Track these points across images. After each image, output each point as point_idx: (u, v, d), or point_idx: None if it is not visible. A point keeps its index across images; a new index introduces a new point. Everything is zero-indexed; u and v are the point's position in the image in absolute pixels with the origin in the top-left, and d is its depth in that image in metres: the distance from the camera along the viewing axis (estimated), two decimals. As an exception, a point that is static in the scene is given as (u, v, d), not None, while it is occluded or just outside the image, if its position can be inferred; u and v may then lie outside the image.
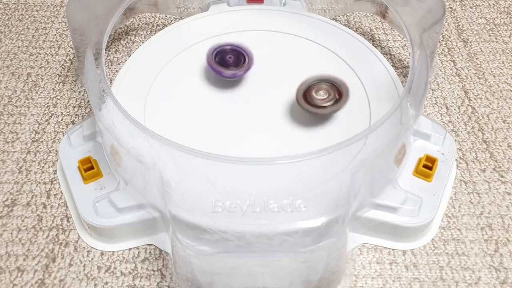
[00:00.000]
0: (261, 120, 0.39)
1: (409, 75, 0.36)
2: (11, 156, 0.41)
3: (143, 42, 0.46)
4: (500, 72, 0.48)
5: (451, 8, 0.55)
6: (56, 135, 0.43)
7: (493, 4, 0.56)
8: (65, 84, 0.47)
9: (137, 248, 0.36)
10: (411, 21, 0.41)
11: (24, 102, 0.46)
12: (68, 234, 0.36)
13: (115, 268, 0.35)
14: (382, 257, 0.35)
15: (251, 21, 0.47)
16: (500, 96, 0.46)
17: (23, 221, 0.37)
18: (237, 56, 0.41)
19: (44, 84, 0.47)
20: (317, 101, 0.37)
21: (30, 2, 0.56)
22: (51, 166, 0.41)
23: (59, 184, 0.39)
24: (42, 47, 0.51)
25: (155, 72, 0.42)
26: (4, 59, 0.50)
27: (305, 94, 0.38)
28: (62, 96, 0.46)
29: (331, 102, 0.37)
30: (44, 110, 0.45)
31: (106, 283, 0.34)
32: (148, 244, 0.36)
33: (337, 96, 0.38)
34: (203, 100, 0.40)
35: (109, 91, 0.35)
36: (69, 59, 0.50)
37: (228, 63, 0.40)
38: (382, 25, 0.53)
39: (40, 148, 0.42)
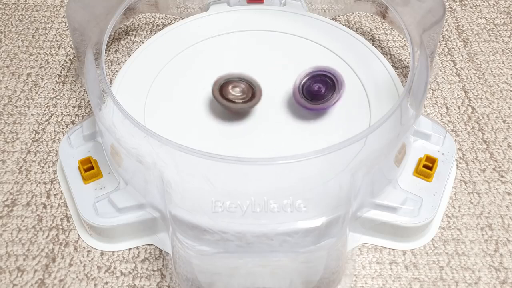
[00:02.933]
0: (261, 120, 0.39)
1: (409, 75, 0.36)
2: (11, 156, 0.41)
3: (143, 42, 0.46)
4: (500, 72, 0.48)
5: (451, 8, 0.55)
6: (56, 135, 0.43)
7: (493, 4, 0.56)
8: (65, 84, 0.47)
9: (137, 248, 0.36)
10: (411, 21, 0.41)
11: (24, 102, 0.46)
12: (68, 234, 0.36)
13: (115, 268, 0.35)
14: (382, 257, 0.35)
15: (251, 21, 0.47)
16: (500, 96, 0.46)
17: (23, 221, 0.37)
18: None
19: (44, 84, 0.47)
20: (230, 97, 0.38)
21: (30, 2, 0.56)
22: (51, 166, 0.41)
23: (59, 184, 0.39)
24: (42, 47, 0.51)
25: (155, 72, 0.42)
26: (4, 59, 0.50)
27: (221, 89, 0.38)
28: (62, 96, 0.46)
29: (243, 100, 0.38)
30: (44, 110, 0.45)
31: (106, 283, 0.34)
32: (148, 244, 0.36)
33: (251, 95, 0.38)
34: (203, 100, 0.40)
35: (109, 91, 0.35)
36: (69, 59, 0.50)
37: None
38: (382, 25, 0.53)
39: (40, 148, 0.42)
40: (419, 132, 0.39)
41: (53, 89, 0.47)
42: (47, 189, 0.39)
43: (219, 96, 0.38)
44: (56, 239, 0.36)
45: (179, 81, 0.42)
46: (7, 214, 0.38)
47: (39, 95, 0.46)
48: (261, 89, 0.38)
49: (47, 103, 0.45)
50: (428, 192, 0.36)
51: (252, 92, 0.38)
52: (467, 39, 0.51)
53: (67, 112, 0.45)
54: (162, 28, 0.52)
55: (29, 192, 0.39)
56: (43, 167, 0.40)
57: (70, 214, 0.37)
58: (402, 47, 0.50)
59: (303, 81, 0.39)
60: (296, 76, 0.39)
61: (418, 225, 0.35)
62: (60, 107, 0.45)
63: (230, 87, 0.38)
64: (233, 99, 0.38)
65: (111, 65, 0.49)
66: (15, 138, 0.43)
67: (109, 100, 0.35)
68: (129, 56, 0.44)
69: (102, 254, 0.35)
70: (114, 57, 0.50)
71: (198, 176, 0.31)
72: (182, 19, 0.48)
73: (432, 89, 0.46)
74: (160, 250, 0.35)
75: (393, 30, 0.52)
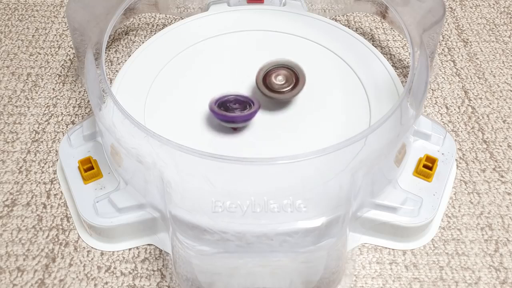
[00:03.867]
0: (261, 120, 0.39)
1: (409, 75, 0.36)
2: (11, 156, 0.41)
3: (143, 42, 0.46)
4: (500, 72, 0.48)
5: (451, 8, 0.55)
6: (56, 135, 0.43)
7: (493, 4, 0.56)
8: (65, 84, 0.47)
9: (137, 248, 0.36)
10: (411, 21, 0.41)
11: (24, 102, 0.46)
12: (68, 234, 0.36)
13: (115, 268, 0.35)
14: (382, 257, 0.35)
15: (251, 21, 0.47)
16: (500, 96, 0.46)
17: (23, 221, 0.37)
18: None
19: (44, 84, 0.47)
20: (275, 86, 0.38)
21: (30, 2, 0.56)
22: (51, 166, 0.41)
23: (59, 184, 0.39)
24: (42, 47, 0.51)
25: (155, 72, 0.42)
26: (4, 59, 0.50)
27: (264, 79, 0.38)
28: (62, 96, 0.46)
29: (289, 88, 0.38)
30: (44, 110, 0.45)
31: (106, 283, 0.34)
32: (148, 244, 0.36)
33: (294, 81, 0.39)
34: (203, 100, 0.40)
35: (109, 91, 0.35)
36: (69, 59, 0.50)
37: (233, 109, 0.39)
38: (382, 25, 0.53)
39: (40, 148, 0.42)
40: (419, 132, 0.39)
41: (53, 89, 0.47)
42: (47, 189, 0.39)
43: (264, 88, 0.38)
44: (56, 239, 0.36)
45: (179, 81, 0.42)
46: (7, 214, 0.38)
47: (39, 95, 0.46)
48: (304, 74, 0.39)
49: (47, 103, 0.45)
50: (428, 192, 0.36)
51: (296, 78, 0.39)
52: (467, 39, 0.51)
53: (67, 112, 0.45)
54: (162, 28, 0.52)
55: (29, 192, 0.39)
56: (43, 167, 0.40)
57: (70, 214, 0.37)
58: (402, 47, 0.50)
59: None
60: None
61: (418, 225, 0.35)
62: (60, 107, 0.45)
63: (273, 77, 0.38)
64: (279, 89, 0.38)
65: (111, 65, 0.49)
66: (15, 138, 0.43)
67: (109, 100, 0.35)
68: (129, 56, 0.44)
69: (102, 254, 0.35)
70: (114, 57, 0.50)
71: (198, 176, 0.31)
72: (182, 19, 0.48)
73: (432, 89, 0.46)
74: (160, 250, 0.35)
75: (393, 30, 0.52)
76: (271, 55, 0.44)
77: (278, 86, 0.38)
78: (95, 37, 0.39)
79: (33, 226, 0.37)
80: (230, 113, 0.37)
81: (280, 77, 0.39)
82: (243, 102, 0.38)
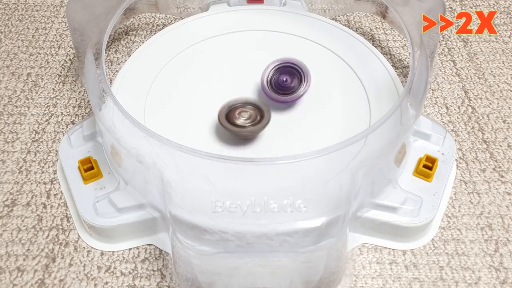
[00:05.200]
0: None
1: (409, 75, 0.36)
2: (11, 156, 0.41)
3: (143, 42, 0.46)
4: (500, 72, 0.48)
5: (451, 8, 0.55)
6: (56, 135, 0.43)
7: (493, 4, 0.56)
8: (65, 84, 0.47)
9: (137, 248, 0.36)
10: (411, 21, 0.41)
11: (24, 102, 0.46)
12: (68, 234, 0.36)
13: (115, 268, 0.35)
14: (382, 257, 0.35)
15: (251, 21, 0.47)
16: (500, 96, 0.46)
17: (23, 221, 0.37)
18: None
19: (44, 84, 0.47)
20: (238, 122, 0.37)
21: (30, 2, 0.56)
22: (51, 166, 0.41)
23: (59, 184, 0.39)
24: (42, 47, 0.51)
25: (155, 72, 0.42)
26: (4, 59, 0.50)
27: (228, 115, 0.37)
28: (62, 96, 0.46)
29: (251, 123, 0.37)
30: (44, 110, 0.45)
31: (106, 283, 0.34)
32: (148, 244, 0.36)
33: (259, 118, 0.37)
34: (203, 100, 0.40)
35: (109, 91, 0.35)
36: (69, 59, 0.50)
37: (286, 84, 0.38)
38: (382, 25, 0.53)
39: (40, 148, 0.42)
40: (419, 132, 0.39)
41: (53, 89, 0.47)
42: (47, 189, 0.39)
43: (226, 123, 0.36)
44: (56, 239, 0.36)
45: (179, 81, 0.42)
46: (7, 214, 0.38)
47: (39, 95, 0.46)
48: (269, 111, 0.37)
49: (47, 103, 0.45)
50: (428, 192, 0.36)
51: (261, 115, 0.37)
52: (467, 39, 0.51)
53: (67, 112, 0.45)
54: (162, 28, 0.52)
55: (29, 192, 0.39)
56: (43, 167, 0.40)
57: (70, 214, 0.37)
58: (402, 47, 0.50)
59: (271, 75, 0.39)
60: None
61: (418, 225, 0.35)
62: (60, 107, 0.45)
63: (236, 113, 0.37)
64: (242, 124, 0.36)
65: (111, 65, 0.49)
66: (15, 138, 0.43)
67: (109, 100, 0.35)
68: (129, 56, 0.44)
69: (102, 254, 0.35)
70: (114, 57, 0.50)
71: (198, 176, 0.31)
72: (182, 19, 0.48)
73: (432, 89, 0.46)
74: (160, 250, 0.35)
75: (393, 30, 0.52)
76: (271, 55, 0.44)
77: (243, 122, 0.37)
78: (95, 37, 0.39)
79: (33, 226, 0.37)
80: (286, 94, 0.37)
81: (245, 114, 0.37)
82: (293, 74, 0.38)
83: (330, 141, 0.32)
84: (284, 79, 0.38)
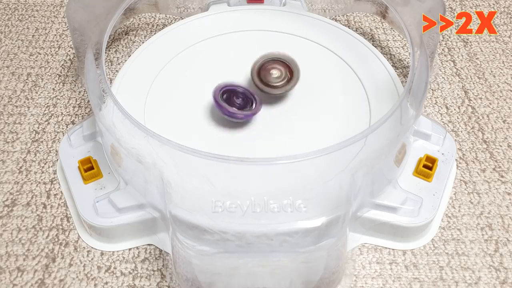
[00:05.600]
0: (261, 120, 0.39)
1: (409, 75, 0.36)
2: (11, 156, 0.41)
3: (143, 42, 0.46)
4: (500, 72, 0.48)
5: (451, 8, 0.55)
6: (56, 135, 0.43)
7: (493, 4, 0.56)
8: (65, 84, 0.47)
9: (137, 248, 0.36)
10: (411, 21, 0.41)
11: (24, 102, 0.46)
12: (68, 234, 0.36)
13: (115, 268, 0.35)
14: (382, 257, 0.35)
15: (251, 21, 0.47)
16: (500, 96, 0.46)
17: (23, 221, 0.37)
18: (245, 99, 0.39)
19: (44, 84, 0.47)
20: (271, 80, 0.38)
21: (30, 2, 0.56)
22: (51, 166, 0.41)
23: (59, 184, 0.39)
24: (42, 47, 0.51)
25: (155, 72, 0.42)
26: (4, 59, 0.50)
27: (259, 73, 0.38)
28: (62, 96, 0.46)
29: (284, 82, 0.38)
30: (44, 110, 0.45)
31: (106, 283, 0.34)
32: (148, 244, 0.36)
33: (289, 75, 0.38)
34: (203, 100, 0.40)
35: (109, 91, 0.35)
36: (69, 59, 0.50)
37: (235, 104, 0.38)
38: (382, 25, 0.53)
39: (40, 148, 0.42)
40: (419, 132, 0.39)
41: (53, 89, 0.47)
42: (47, 189, 0.39)
43: (259, 82, 0.38)
44: (56, 239, 0.36)
45: (179, 81, 0.42)
46: (7, 214, 0.38)
47: (39, 95, 0.46)
48: (298, 68, 0.39)
49: (47, 103, 0.45)
50: (428, 192, 0.36)
51: (290, 72, 0.38)
52: (467, 39, 0.51)
53: (67, 112, 0.45)
54: (162, 28, 0.52)
55: (29, 192, 0.39)
56: (43, 167, 0.40)
57: (70, 214, 0.37)
58: (402, 47, 0.50)
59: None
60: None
61: (418, 225, 0.35)
62: (60, 107, 0.45)
63: (268, 71, 0.38)
64: (273, 83, 0.38)
65: (111, 65, 0.49)
66: (15, 138, 0.43)
67: (109, 100, 0.35)
68: (129, 56, 0.44)
69: (102, 254, 0.35)
70: (114, 57, 0.50)
71: (198, 176, 0.31)
72: (182, 19, 0.48)
73: (432, 89, 0.46)
74: (160, 250, 0.35)
75: (393, 30, 0.52)
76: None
77: (273, 80, 0.38)
78: (95, 37, 0.39)
79: (33, 226, 0.37)
80: (230, 108, 0.37)
81: (274, 71, 0.39)
82: (247, 98, 0.38)
83: (330, 141, 0.32)
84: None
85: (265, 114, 0.39)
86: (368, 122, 0.38)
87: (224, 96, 0.38)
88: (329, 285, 0.33)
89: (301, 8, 0.49)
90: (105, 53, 0.48)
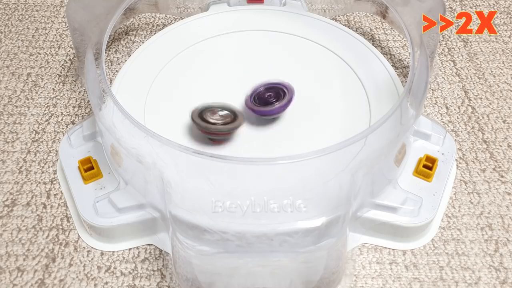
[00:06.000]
0: (261, 120, 0.39)
1: (409, 75, 0.36)
2: (11, 156, 0.41)
3: (143, 42, 0.46)
4: (500, 72, 0.48)
5: (451, 8, 0.55)
6: (56, 135, 0.43)
7: (493, 4, 0.56)
8: (65, 84, 0.47)
9: (137, 248, 0.36)
10: (411, 21, 0.41)
11: (24, 102, 0.46)
12: (68, 234, 0.36)
13: (115, 268, 0.35)
14: (382, 257, 0.35)
15: (251, 21, 0.47)
16: (500, 96, 0.46)
17: (23, 221, 0.37)
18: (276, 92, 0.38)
19: (44, 84, 0.47)
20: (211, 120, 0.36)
21: (30, 2, 0.56)
22: (51, 166, 0.41)
23: (59, 184, 0.39)
24: (42, 47, 0.51)
25: (155, 72, 0.42)
26: (4, 59, 0.50)
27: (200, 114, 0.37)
28: (62, 96, 0.46)
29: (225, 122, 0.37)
30: (44, 110, 0.45)
31: (106, 283, 0.34)
32: (148, 244, 0.36)
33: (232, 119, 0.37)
34: (203, 100, 0.40)
35: (109, 91, 0.35)
36: (69, 59, 0.50)
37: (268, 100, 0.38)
38: (382, 25, 0.53)
39: (40, 148, 0.42)
40: (419, 132, 0.39)
41: (53, 89, 0.47)
42: (47, 189, 0.39)
43: (199, 120, 0.36)
44: (56, 239, 0.36)
45: (179, 81, 0.42)
46: (7, 214, 0.38)
47: (39, 95, 0.46)
48: (242, 114, 0.37)
49: (47, 103, 0.45)
50: (428, 192, 0.36)
51: (234, 116, 0.37)
52: (467, 39, 0.51)
53: (67, 112, 0.45)
54: (162, 28, 0.52)
55: (29, 192, 0.39)
56: (43, 167, 0.40)
57: (70, 214, 0.37)
58: (402, 47, 0.50)
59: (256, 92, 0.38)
60: (296, 76, 0.39)
61: (418, 225, 0.35)
62: (60, 107, 0.45)
63: (209, 114, 0.37)
64: (214, 122, 0.36)
65: (111, 65, 0.49)
66: (15, 138, 0.43)
67: (109, 100, 0.35)
68: (129, 56, 0.44)
69: (102, 254, 0.35)
70: (114, 57, 0.50)
71: (198, 176, 0.31)
72: (182, 19, 0.48)
73: (432, 89, 0.46)
74: (160, 250, 0.35)
75: (393, 30, 0.52)
76: (271, 55, 0.44)
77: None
78: (95, 37, 0.39)
79: (33, 226, 0.37)
80: (268, 108, 0.37)
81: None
82: (276, 89, 0.38)
83: (330, 141, 0.32)
84: (267, 95, 0.38)
85: (265, 114, 0.39)
86: (368, 122, 0.38)
87: (257, 101, 0.38)
88: (329, 285, 0.33)
89: (301, 8, 0.49)
90: (105, 53, 0.48)
